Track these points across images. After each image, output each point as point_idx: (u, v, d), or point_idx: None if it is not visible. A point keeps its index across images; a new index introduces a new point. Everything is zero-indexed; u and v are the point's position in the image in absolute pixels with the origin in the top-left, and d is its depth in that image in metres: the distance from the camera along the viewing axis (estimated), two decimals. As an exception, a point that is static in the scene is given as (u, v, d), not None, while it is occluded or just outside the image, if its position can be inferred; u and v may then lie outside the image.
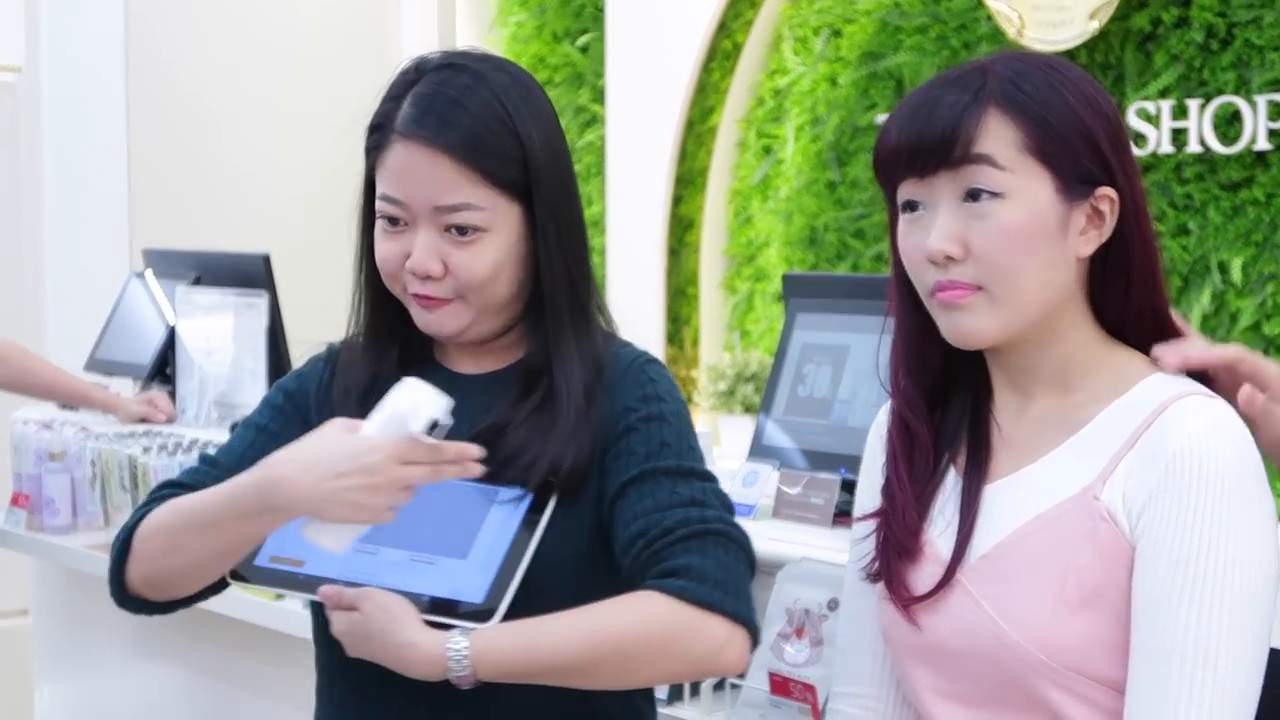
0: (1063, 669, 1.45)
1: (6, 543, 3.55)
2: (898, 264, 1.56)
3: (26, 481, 3.47)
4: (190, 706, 3.40)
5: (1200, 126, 4.33)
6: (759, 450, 2.62)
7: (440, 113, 1.65)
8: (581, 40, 6.08)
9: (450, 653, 1.55)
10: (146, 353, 3.85)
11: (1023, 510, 1.50)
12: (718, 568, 1.59)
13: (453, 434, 1.57)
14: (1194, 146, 4.35)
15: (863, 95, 5.16)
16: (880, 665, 1.63)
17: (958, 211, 1.48)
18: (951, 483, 1.58)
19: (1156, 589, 1.42)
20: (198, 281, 3.75)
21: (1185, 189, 4.39)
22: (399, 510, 1.55)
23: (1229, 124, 4.30)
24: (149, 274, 3.97)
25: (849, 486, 2.34)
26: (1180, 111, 4.37)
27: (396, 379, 1.60)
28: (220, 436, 3.23)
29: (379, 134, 1.69)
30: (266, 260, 3.56)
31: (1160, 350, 1.52)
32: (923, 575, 1.55)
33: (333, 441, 1.55)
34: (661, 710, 2.13)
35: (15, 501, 3.50)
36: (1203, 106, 4.33)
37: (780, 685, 2.11)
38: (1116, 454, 1.46)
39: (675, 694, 2.27)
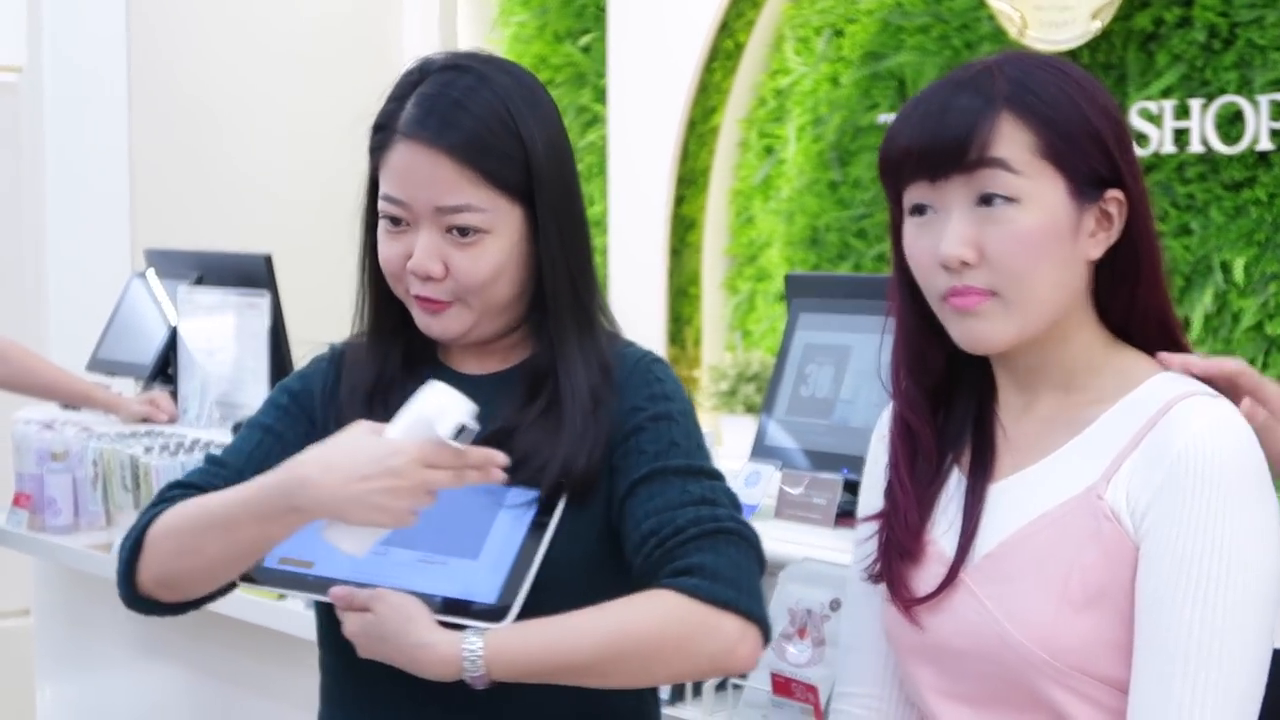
0: (1066, 668, 1.45)
1: (8, 543, 3.55)
2: (899, 264, 1.55)
3: (28, 481, 3.47)
4: (192, 707, 3.39)
5: (1202, 126, 4.32)
6: (761, 450, 2.62)
7: (443, 114, 1.65)
8: (583, 40, 6.07)
9: (465, 653, 1.54)
10: (148, 353, 3.84)
11: (1027, 510, 1.50)
12: (730, 566, 1.59)
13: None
14: (1196, 146, 4.34)
15: (864, 95, 5.16)
16: (883, 665, 1.63)
17: (971, 216, 1.47)
18: (955, 483, 1.58)
19: (1160, 589, 1.41)
20: (199, 281, 3.74)
21: (1187, 189, 4.39)
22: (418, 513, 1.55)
23: (1231, 124, 4.29)
24: (151, 274, 3.97)
25: (851, 487, 2.34)
26: (1182, 111, 4.37)
27: (401, 379, 1.59)
28: (222, 436, 3.23)
29: (382, 134, 1.69)
30: (268, 260, 3.56)
31: (1164, 355, 1.52)
32: (925, 576, 1.55)
33: (358, 444, 1.54)
34: (664, 710, 2.12)
35: (17, 501, 3.50)
36: (1205, 106, 4.32)
37: (782, 686, 2.11)
38: (1121, 453, 1.46)
39: (677, 694, 2.27)
